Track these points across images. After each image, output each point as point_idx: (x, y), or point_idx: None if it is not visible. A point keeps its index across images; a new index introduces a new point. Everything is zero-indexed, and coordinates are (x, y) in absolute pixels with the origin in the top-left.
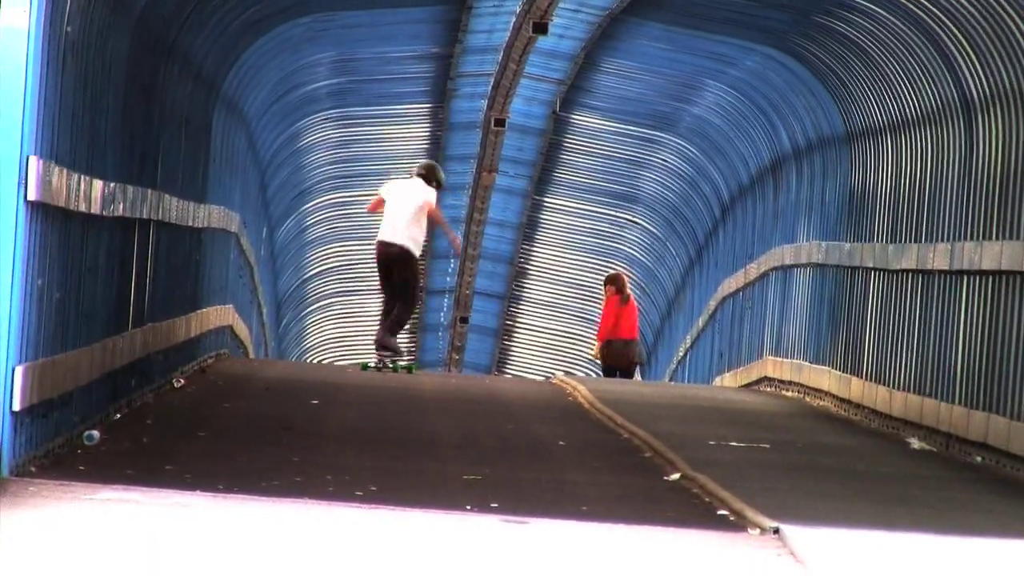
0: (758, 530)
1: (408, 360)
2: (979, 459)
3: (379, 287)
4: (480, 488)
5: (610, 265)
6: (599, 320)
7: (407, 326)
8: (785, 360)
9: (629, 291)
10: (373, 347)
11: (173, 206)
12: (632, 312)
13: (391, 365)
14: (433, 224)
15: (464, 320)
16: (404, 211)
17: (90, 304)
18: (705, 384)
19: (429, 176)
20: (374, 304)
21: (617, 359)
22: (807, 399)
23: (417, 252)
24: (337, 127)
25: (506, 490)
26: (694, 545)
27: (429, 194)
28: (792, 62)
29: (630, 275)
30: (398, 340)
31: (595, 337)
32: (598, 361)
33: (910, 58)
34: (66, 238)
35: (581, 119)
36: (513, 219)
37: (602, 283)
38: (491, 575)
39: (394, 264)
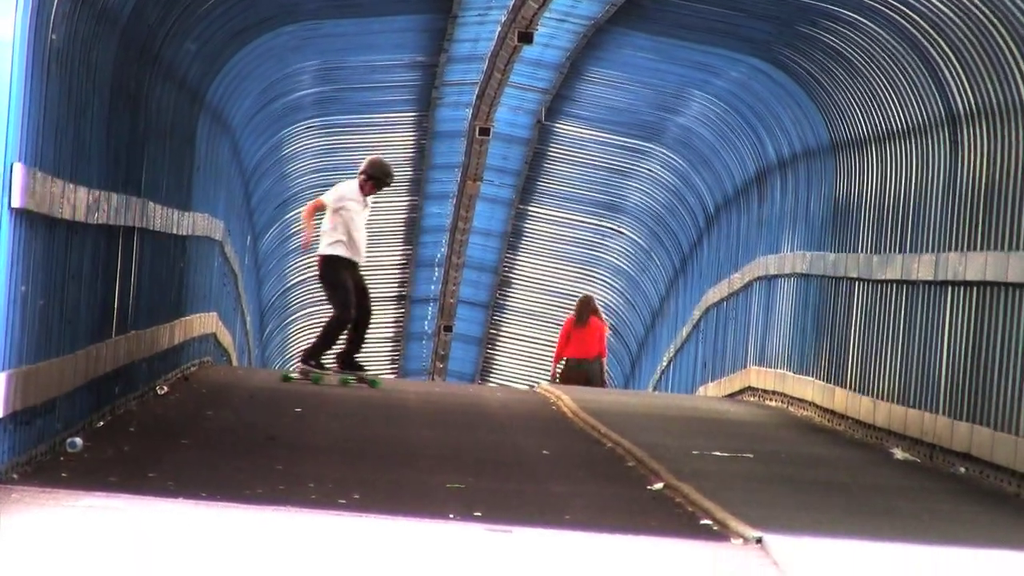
0: (741, 540)
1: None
2: (963, 470)
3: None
4: (463, 497)
5: (594, 274)
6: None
7: (330, 339)
8: (769, 370)
9: (593, 311)
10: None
11: (157, 214)
12: (589, 333)
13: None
14: (329, 220)
15: (448, 328)
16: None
17: (74, 311)
18: (689, 394)
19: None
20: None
21: (569, 378)
22: (790, 409)
23: (322, 253)
24: (321, 136)
25: (489, 499)
26: (677, 554)
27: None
28: (777, 72)
29: (611, 288)
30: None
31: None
32: (555, 380)
33: (896, 69)
34: (50, 245)
35: (566, 128)
36: (498, 228)
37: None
38: None
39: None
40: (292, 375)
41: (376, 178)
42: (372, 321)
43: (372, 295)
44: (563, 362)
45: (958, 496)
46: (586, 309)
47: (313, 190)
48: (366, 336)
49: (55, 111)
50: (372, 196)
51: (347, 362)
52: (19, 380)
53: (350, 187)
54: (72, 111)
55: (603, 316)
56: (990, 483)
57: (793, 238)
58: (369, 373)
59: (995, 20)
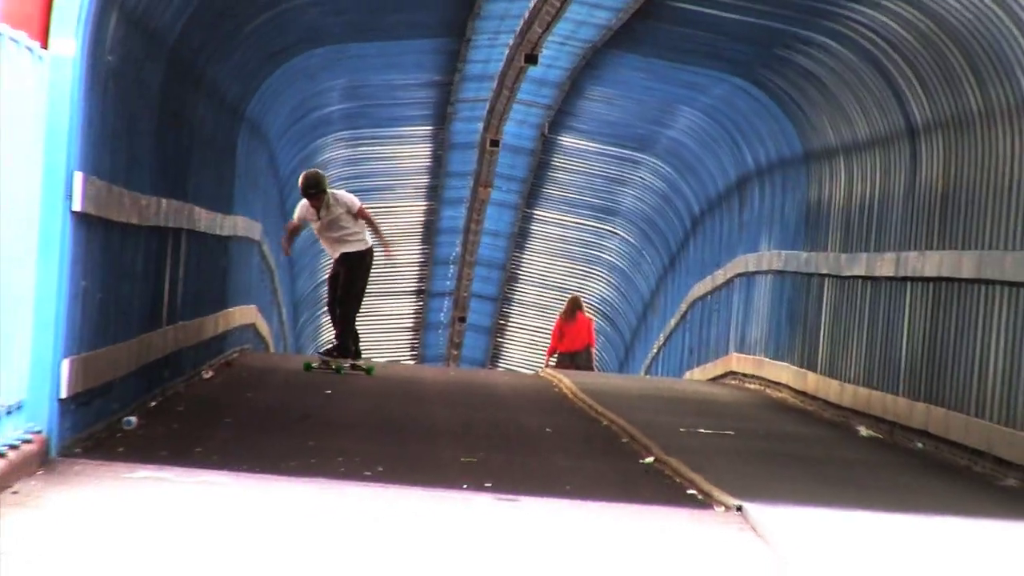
0: (723, 508)
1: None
2: (920, 445)
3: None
4: (475, 470)
5: (592, 270)
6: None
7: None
8: (748, 356)
9: (579, 308)
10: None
11: (202, 217)
12: (577, 328)
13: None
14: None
15: (462, 319)
16: None
17: (128, 304)
18: (677, 377)
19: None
20: (380, 304)
21: (562, 368)
22: (767, 391)
23: None
24: (348, 147)
25: (498, 472)
26: (666, 521)
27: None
28: (756, 90)
29: (607, 283)
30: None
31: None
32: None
33: (861, 87)
34: (107, 245)
35: (567, 140)
36: (506, 229)
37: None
38: (485, 546)
39: None
40: (313, 365)
41: (302, 193)
42: (359, 311)
43: (394, 290)
44: (555, 356)
45: (916, 469)
46: (573, 307)
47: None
48: (347, 326)
49: (111, 125)
50: (325, 205)
51: (338, 349)
52: (80, 366)
53: (301, 205)
54: (126, 125)
55: (587, 312)
56: (944, 457)
57: (770, 238)
58: (360, 363)
59: (948, 42)
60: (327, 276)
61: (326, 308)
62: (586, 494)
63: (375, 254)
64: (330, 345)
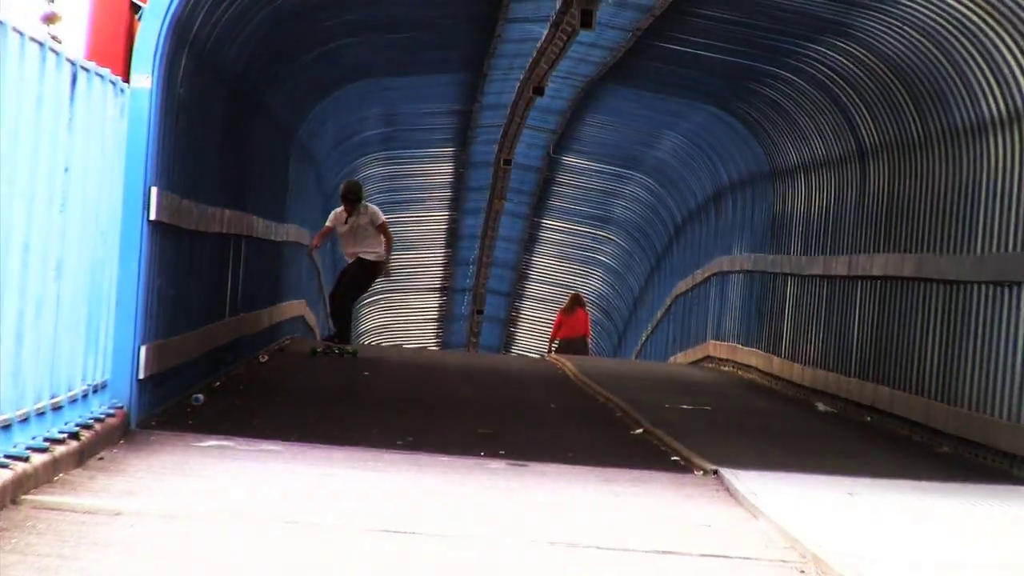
0: (701, 472)
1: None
2: (869, 418)
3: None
4: (491, 439)
5: (590, 271)
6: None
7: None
8: (723, 343)
9: (579, 304)
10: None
11: (259, 225)
12: (575, 320)
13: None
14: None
15: (480, 312)
16: None
17: (196, 299)
18: (662, 361)
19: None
20: (410, 299)
21: (562, 354)
22: (739, 373)
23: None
24: (384, 165)
25: (511, 441)
26: (652, 482)
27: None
28: (729, 117)
29: (603, 281)
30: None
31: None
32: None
33: (818, 115)
34: (178, 249)
35: (569, 160)
36: (517, 235)
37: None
38: (500, 501)
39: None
40: (318, 349)
41: (341, 198)
42: (355, 305)
43: (422, 287)
44: (556, 343)
45: (865, 439)
46: (573, 303)
47: (378, 206)
48: (346, 316)
49: (181, 147)
50: (356, 212)
51: (336, 335)
52: (156, 351)
53: (333, 212)
54: (194, 147)
55: (586, 307)
56: (889, 428)
57: (741, 243)
58: (348, 347)
59: (893, 78)
60: (339, 273)
61: (328, 297)
62: (585, 460)
63: (386, 266)
64: (330, 332)
